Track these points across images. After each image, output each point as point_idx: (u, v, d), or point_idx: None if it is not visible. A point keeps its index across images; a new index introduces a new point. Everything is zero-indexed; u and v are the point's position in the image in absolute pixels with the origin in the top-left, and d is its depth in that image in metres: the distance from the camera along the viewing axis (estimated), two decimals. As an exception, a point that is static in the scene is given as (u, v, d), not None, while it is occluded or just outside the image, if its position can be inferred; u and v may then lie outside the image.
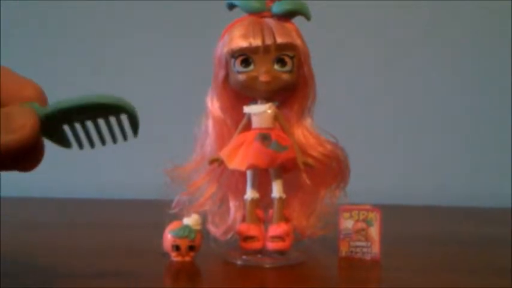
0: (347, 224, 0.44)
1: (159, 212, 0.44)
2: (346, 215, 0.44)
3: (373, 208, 0.44)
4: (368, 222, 0.44)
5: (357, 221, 0.44)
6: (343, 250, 0.44)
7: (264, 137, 0.42)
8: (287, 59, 0.42)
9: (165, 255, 0.43)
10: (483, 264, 0.45)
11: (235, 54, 0.42)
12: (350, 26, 0.80)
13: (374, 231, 0.44)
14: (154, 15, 0.81)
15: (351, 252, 0.44)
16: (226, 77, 0.44)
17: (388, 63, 0.81)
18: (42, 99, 0.30)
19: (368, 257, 0.44)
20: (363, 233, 0.44)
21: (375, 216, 0.44)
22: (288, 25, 0.43)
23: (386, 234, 0.56)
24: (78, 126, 0.31)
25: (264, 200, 0.45)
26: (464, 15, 0.80)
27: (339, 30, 0.79)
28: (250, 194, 0.44)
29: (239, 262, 0.43)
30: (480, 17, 0.80)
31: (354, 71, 0.80)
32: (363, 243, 0.44)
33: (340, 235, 0.44)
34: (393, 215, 0.68)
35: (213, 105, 0.45)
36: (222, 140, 0.45)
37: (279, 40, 0.42)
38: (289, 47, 0.42)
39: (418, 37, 0.80)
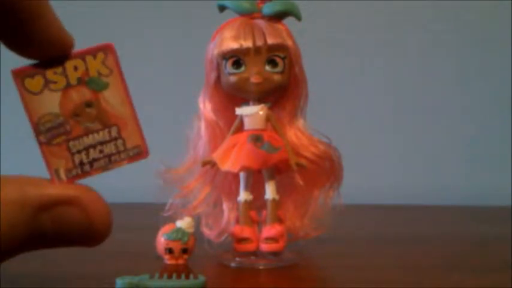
0: (45, 102, 0.19)
1: (152, 215, 0.44)
2: (31, 82, 0.19)
3: (101, 46, 0.21)
4: (94, 84, 0.20)
5: (68, 88, 0.20)
6: (61, 167, 0.20)
7: (256, 138, 0.42)
8: (278, 60, 0.42)
9: (159, 258, 0.43)
10: (483, 263, 0.44)
11: (226, 55, 0.42)
12: (348, 24, 0.80)
13: (114, 99, 0.20)
14: (144, 16, 0.81)
15: (77, 171, 0.21)
16: (218, 78, 0.44)
17: (387, 62, 0.80)
18: None
19: (123, 162, 0.21)
20: (90, 113, 0.20)
21: (101, 64, 0.20)
22: (278, 26, 0.43)
23: (386, 234, 0.56)
24: None
25: (257, 202, 0.45)
26: (464, 13, 0.80)
27: (338, 29, 0.79)
28: (243, 195, 0.44)
29: (233, 264, 0.43)
30: (480, 15, 0.79)
31: (354, 71, 0.80)
32: (101, 137, 0.20)
33: (36, 130, 0.20)
34: (393, 215, 0.69)
35: (205, 107, 0.45)
36: (215, 142, 0.45)
37: (270, 41, 0.42)
38: (280, 47, 0.42)
39: (418, 35, 0.80)
